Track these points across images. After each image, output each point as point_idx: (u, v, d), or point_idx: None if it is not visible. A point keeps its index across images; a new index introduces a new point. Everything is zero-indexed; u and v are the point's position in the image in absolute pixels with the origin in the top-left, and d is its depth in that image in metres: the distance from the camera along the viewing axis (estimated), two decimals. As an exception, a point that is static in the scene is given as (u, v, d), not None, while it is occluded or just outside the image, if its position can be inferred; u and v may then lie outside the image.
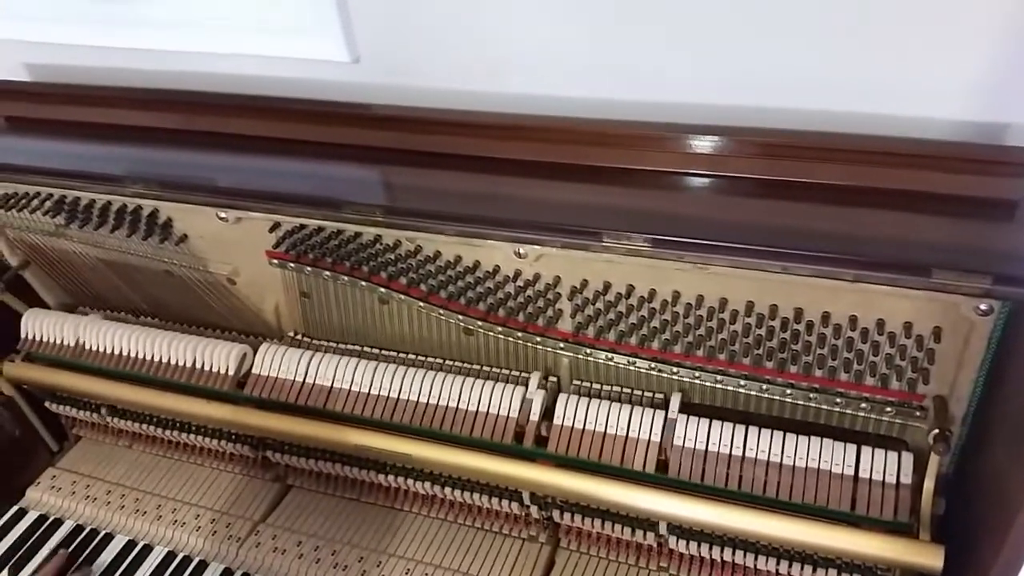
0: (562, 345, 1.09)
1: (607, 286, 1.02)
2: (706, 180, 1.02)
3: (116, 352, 1.31)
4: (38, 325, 1.37)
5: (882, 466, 0.96)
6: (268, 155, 1.19)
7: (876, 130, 0.96)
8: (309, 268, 1.16)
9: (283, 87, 1.23)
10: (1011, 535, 0.77)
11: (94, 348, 1.32)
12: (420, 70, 1.16)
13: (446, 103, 1.13)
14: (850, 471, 0.97)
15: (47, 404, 1.43)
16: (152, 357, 1.28)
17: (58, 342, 1.35)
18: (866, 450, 0.97)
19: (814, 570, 1.01)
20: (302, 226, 1.13)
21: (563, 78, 1.09)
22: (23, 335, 1.38)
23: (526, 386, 1.12)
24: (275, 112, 1.20)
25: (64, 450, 1.47)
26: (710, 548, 1.05)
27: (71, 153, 1.29)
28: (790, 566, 1.02)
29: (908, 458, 0.96)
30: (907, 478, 0.95)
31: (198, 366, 1.26)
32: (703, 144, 1.01)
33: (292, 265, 1.17)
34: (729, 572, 1.09)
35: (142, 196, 1.18)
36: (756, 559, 1.03)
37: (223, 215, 1.15)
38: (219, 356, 1.24)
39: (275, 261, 1.18)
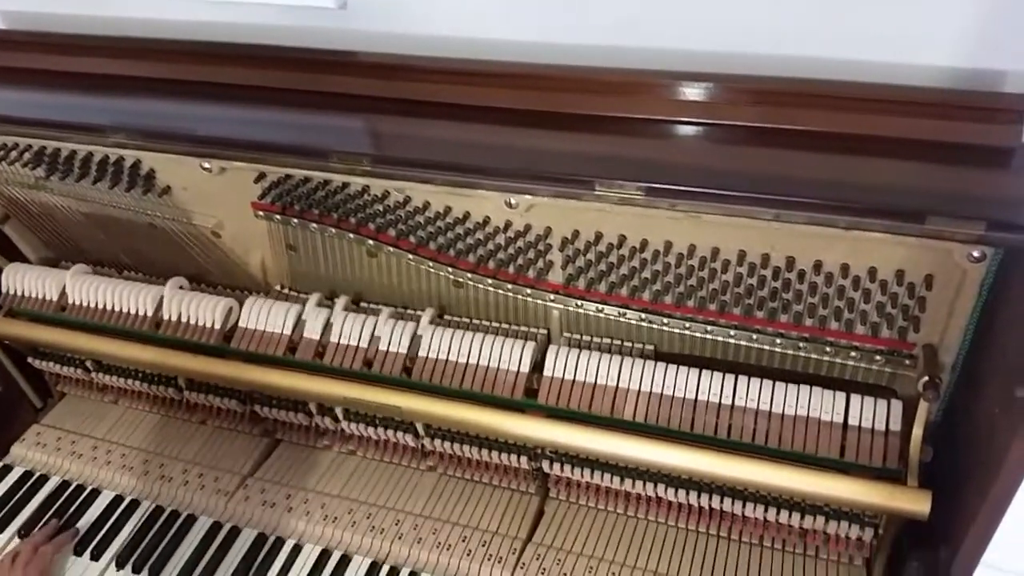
0: (552, 297, 1.08)
1: (598, 236, 1.01)
2: (698, 128, 1.00)
3: (100, 306, 1.29)
4: (19, 280, 1.34)
5: (871, 414, 0.97)
6: (252, 104, 1.17)
7: (871, 77, 0.95)
8: (296, 220, 1.15)
9: (268, 35, 1.20)
10: (999, 480, 0.78)
11: (77, 303, 1.30)
12: (407, 16, 1.13)
13: (434, 50, 1.11)
14: (839, 419, 0.98)
15: (30, 360, 1.41)
16: (137, 311, 1.27)
17: (40, 297, 1.33)
18: (855, 398, 0.98)
19: (802, 517, 1.02)
20: (288, 176, 1.11)
21: (553, 25, 1.07)
22: (3, 290, 1.36)
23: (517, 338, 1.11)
24: (259, 60, 1.17)
25: (48, 407, 1.46)
26: (699, 496, 1.06)
27: (50, 103, 1.26)
28: (778, 513, 1.03)
29: (897, 406, 0.97)
30: (896, 425, 0.96)
31: (184, 320, 1.24)
32: (695, 91, 1.00)
33: (278, 217, 1.15)
34: (718, 519, 1.10)
35: (123, 146, 1.16)
36: (745, 506, 1.04)
37: (207, 165, 1.13)
38: (206, 310, 1.23)
39: (261, 213, 1.16)
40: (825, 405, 0.99)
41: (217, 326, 1.22)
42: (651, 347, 1.09)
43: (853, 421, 0.97)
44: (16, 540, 1.24)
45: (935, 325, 0.93)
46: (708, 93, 0.99)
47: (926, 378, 0.90)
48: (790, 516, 1.02)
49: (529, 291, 1.08)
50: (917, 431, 0.93)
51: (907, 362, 0.96)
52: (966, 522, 0.83)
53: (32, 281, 1.33)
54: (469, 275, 1.10)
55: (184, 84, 1.22)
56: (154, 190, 1.20)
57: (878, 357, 0.97)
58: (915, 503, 0.91)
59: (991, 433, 0.83)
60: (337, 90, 1.14)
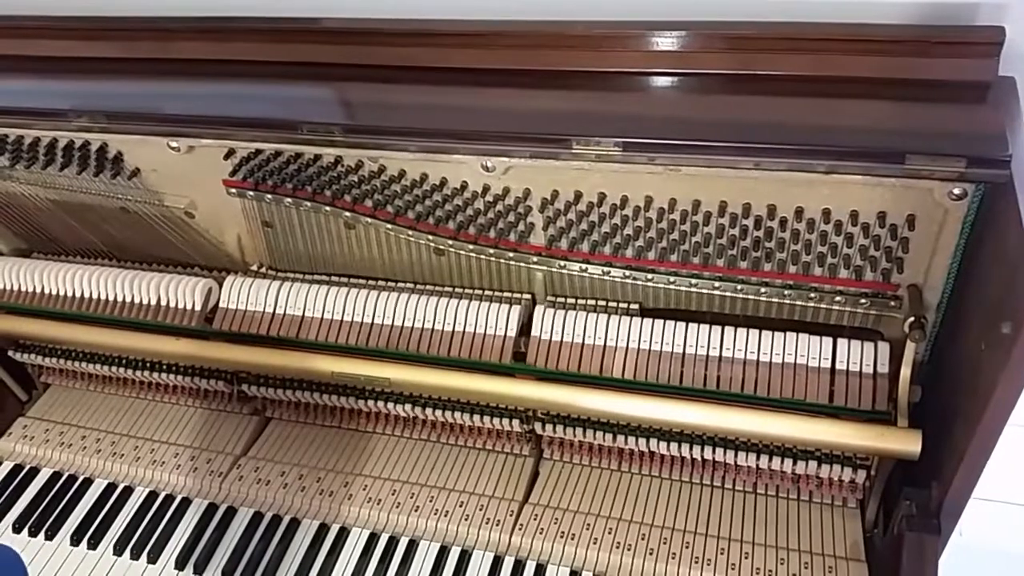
0: (535, 259, 1.07)
1: (578, 195, 1.00)
2: (672, 78, 0.99)
3: (78, 295, 1.27)
4: (-8, 273, 1.32)
5: (859, 357, 0.97)
6: (216, 79, 1.14)
7: (844, 17, 0.94)
8: (269, 196, 1.12)
9: (226, 5, 1.16)
10: (986, 416, 0.78)
11: (55, 292, 1.28)
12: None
13: (401, 12, 1.08)
14: (827, 364, 0.98)
15: (11, 354, 1.40)
16: (116, 298, 1.25)
17: (16, 289, 1.31)
18: (842, 342, 0.98)
19: (794, 462, 1.03)
20: (258, 151, 1.09)
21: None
22: (-23, 284, 1.33)
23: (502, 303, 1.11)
24: (221, 32, 1.13)
25: (33, 399, 1.44)
26: (691, 448, 1.06)
27: (7, 90, 1.22)
28: (770, 460, 1.04)
29: (884, 348, 0.97)
30: (884, 367, 0.97)
31: (163, 303, 1.22)
32: (667, 41, 0.98)
33: (251, 194, 1.13)
34: (711, 470, 1.11)
35: (88, 130, 1.13)
36: (737, 455, 1.05)
37: (174, 144, 1.10)
38: (184, 292, 1.21)
39: (233, 190, 1.14)
40: (812, 351, 0.99)
41: (197, 307, 1.21)
42: (636, 304, 1.09)
43: (841, 365, 0.98)
44: (11, 535, 1.24)
45: (919, 265, 0.92)
46: (680, 42, 0.97)
47: (912, 319, 0.91)
48: (782, 462, 1.03)
49: (511, 255, 1.07)
50: (905, 372, 0.93)
51: (892, 304, 0.96)
52: (956, 459, 0.84)
53: (6, 273, 1.31)
54: (450, 242, 1.08)
55: (145, 62, 1.18)
56: (123, 173, 1.18)
57: (863, 300, 0.97)
58: (906, 443, 0.92)
59: (977, 370, 0.83)
60: (303, 59, 1.11)
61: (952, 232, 0.88)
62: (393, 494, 1.18)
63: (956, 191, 0.84)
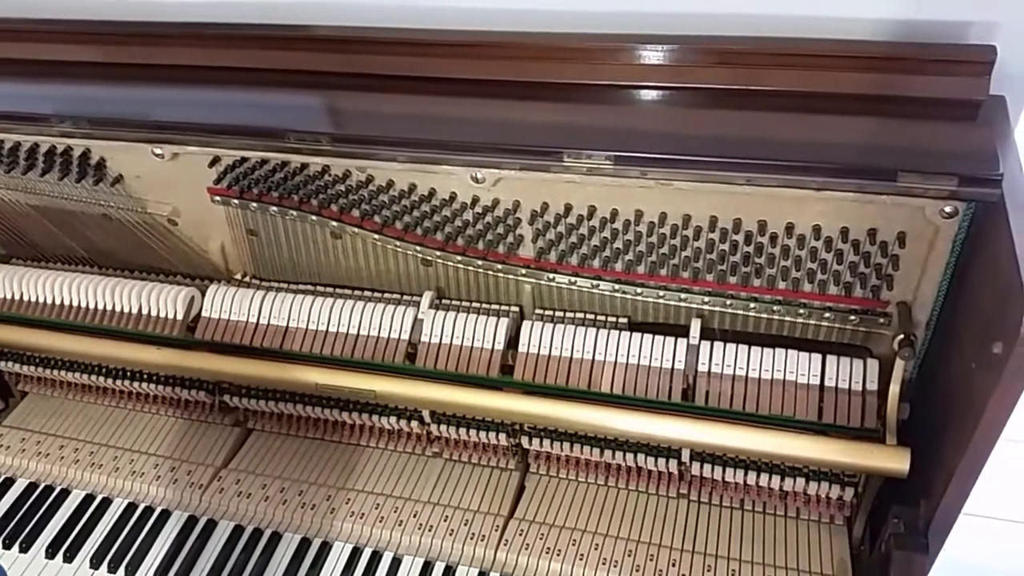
0: (524, 272, 1.06)
1: (568, 208, 0.99)
2: (663, 92, 0.99)
3: (58, 302, 1.25)
4: (-31, 279, 1.30)
5: (847, 374, 0.97)
6: (202, 85, 1.12)
7: (835, 34, 0.94)
8: (254, 204, 1.11)
9: (215, 11, 1.15)
10: (976, 435, 0.78)
11: (34, 299, 1.26)
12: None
13: (390, 21, 1.07)
14: (816, 380, 0.98)
15: (-13, 361, 1.37)
16: (96, 305, 1.23)
17: (-8, 295, 1.28)
18: (831, 359, 0.98)
19: (782, 479, 1.02)
20: (243, 159, 1.07)
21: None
22: (-46, 290, 1.31)
23: (489, 316, 1.10)
24: (208, 39, 1.12)
25: (10, 407, 1.41)
26: (678, 463, 1.06)
27: (-12, 93, 1.21)
28: (758, 476, 1.03)
29: (873, 365, 0.97)
30: (872, 384, 0.96)
31: (144, 312, 1.21)
32: (658, 55, 0.98)
33: (236, 202, 1.12)
34: (698, 485, 1.11)
35: (70, 135, 1.11)
36: (724, 471, 1.04)
37: (158, 151, 1.09)
38: (166, 300, 1.19)
39: (217, 198, 1.13)
40: (801, 367, 0.99)
41: (179, 316, 1.19)
42: (625, 318, 1.08)
43: (830, 382, 0.98)
44: (-15, 546, 1.21)
45: (908, 283, 0.92)
46: (673, 56, 0.97)
47: (901, 336, 0.91)
48: (770, 479, 1.03)
49: (500, 267, 1.06)
50: (894, 389, 0.93)
51: (882, 321, 0.96)
52: (945, 477, 0.84)
53: (-17, 279, 1.29)
54: (438, 253, 1.07)
55: (130, 67, 1.17)
56: (105, 180, 1.16)
57: (852, 317, 0.96)
58: (894, 461, 0.91)
59: (967, 389, 0.83)
60: (292, 66, 1.10)
61: (942, 250, 0.88)
62: (376, 508, 1.16)
63: (947, 209, 0.84)
